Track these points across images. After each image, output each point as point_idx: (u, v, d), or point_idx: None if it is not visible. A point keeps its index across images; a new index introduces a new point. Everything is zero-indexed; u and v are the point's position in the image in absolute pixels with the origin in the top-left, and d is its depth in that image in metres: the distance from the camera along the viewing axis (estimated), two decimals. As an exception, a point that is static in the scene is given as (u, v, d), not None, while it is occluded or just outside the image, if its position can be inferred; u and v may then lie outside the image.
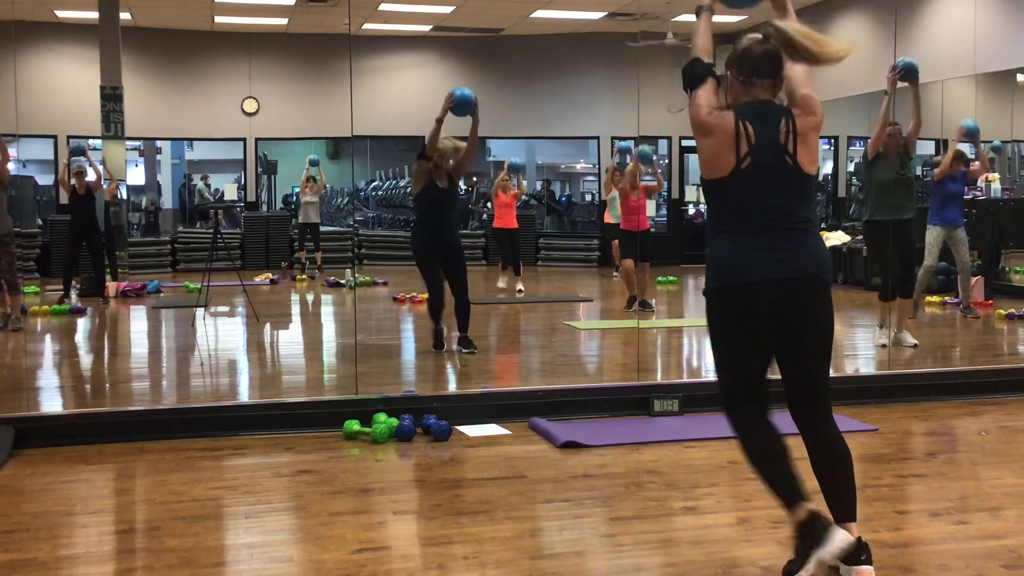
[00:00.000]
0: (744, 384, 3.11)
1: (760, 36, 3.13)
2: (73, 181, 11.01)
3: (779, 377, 3.15)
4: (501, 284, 12.30)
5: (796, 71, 3.15)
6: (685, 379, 6.65)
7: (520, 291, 11.76)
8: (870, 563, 2.96)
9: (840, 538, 2.89)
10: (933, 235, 8.97)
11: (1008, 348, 8.21)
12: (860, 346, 7.92)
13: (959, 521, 3.68)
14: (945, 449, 4.88)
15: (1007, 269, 11.69)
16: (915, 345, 7.38)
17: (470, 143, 7.26)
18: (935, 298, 10.45)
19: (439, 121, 6.91)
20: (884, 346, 7.35)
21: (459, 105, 6.86)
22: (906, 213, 7.33)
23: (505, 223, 12.24)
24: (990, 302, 10.11)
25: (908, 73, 7.15)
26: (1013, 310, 9.32)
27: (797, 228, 3.05)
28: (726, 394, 3.15)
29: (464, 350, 7.19)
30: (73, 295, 11.04)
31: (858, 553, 2.94)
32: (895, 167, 7.30)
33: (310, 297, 12.70)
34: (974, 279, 10.26)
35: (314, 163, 15.28)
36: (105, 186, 12.16)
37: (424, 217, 7.28)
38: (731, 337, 3.09)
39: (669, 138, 18.16)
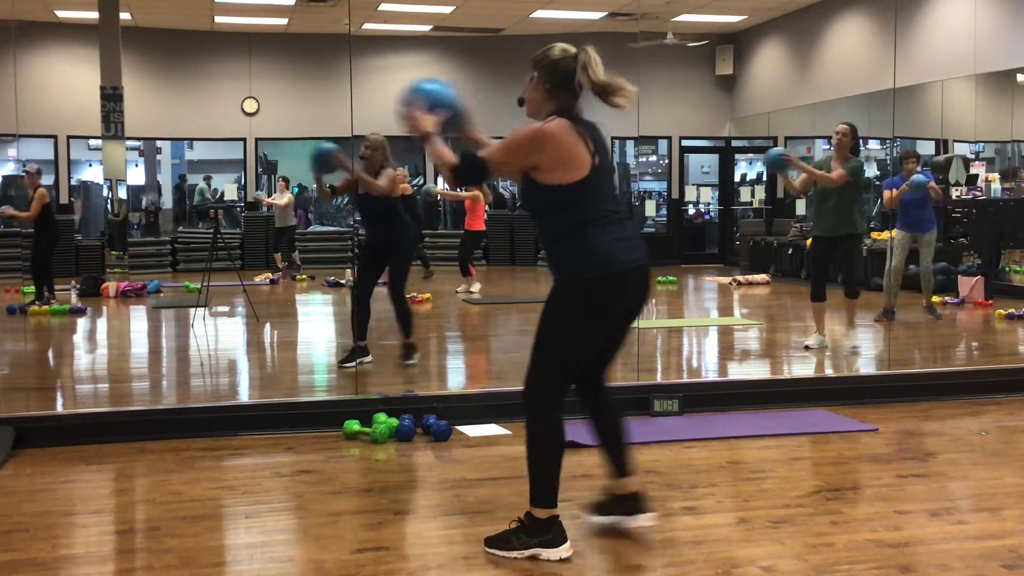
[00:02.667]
0: (569, 384, 3.40)
1: (573, 50, 3.41)
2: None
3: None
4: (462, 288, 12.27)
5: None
6: (685, 379, 6.65)
7: (465, 291, 11.80)
8: (648, 510, 3.52)
9: (643, 519, 3.49)
10: (896, 238, 9.24)
11: (1008, 348, 8.20)
12: (861, 347, 7.91)
13: (959, 521, 3.68)
14: (945, 449, 4.88)
15: (1007, 269, 11.69)
16: (854, 348, 7.39)
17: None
18: (935, 298, 10.44)
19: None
20: (808, 348, 7.45)
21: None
22: (839, 230, 7.30)
23: (474, 225, 12.32)
24: (990, 302, 10.11)
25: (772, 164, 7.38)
26: (1013, 310, 9.32)
27: (627, 219, 3.51)
28: (554, 394, 3.34)
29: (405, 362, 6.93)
30: (73, 295, 11.03)
31: (640, 502, 3.51)
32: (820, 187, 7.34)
33: (310, 297, 12.69)
34: (974, 279, 10.28)
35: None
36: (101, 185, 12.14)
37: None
38: (596, 326, 3.32)
39: (669, 138, 18.17)
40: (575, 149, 3.28)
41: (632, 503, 3.51)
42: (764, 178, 18.47)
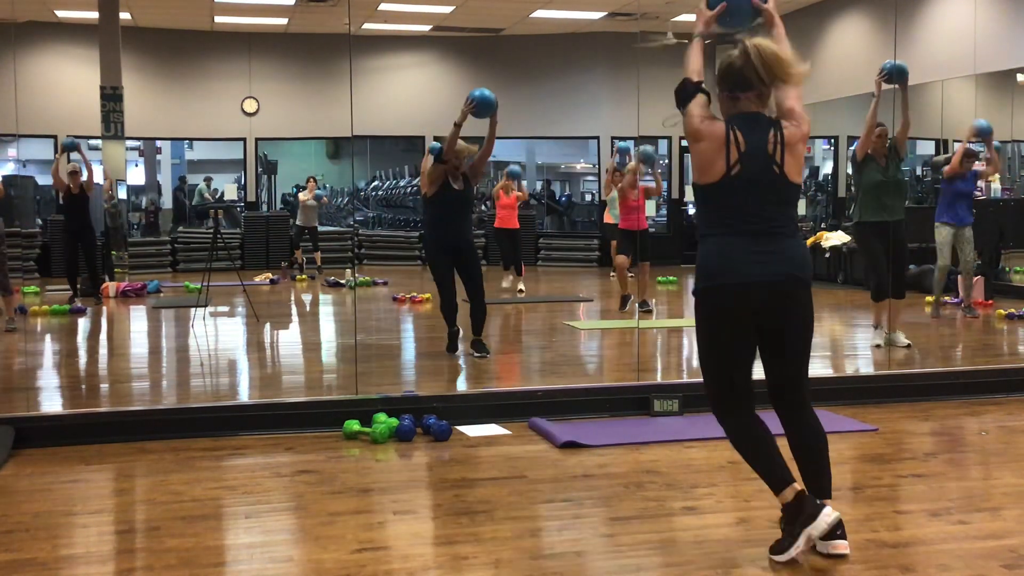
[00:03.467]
0: (731, 389, 3.35)
1: (738, 51, 3.29)
2: (68, 181, 11.01)
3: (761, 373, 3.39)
4: (505, 284, 12.31)
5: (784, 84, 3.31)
6: (685, 379, 6.64)
7: (521, 291, 11.76)
8: (844, 538, 3.23)
9: (826, 514, 3.17)
10: (943, 234, 9.01)
11: (1008, 348, 8.20)
12: (860, 346, 7.92)
13: (959, 521, 3.68)
14: (945, 449, 4.88)
15: (1007, 269, 11.69)
16: (908, 345, 7.37)
17: (487, 145, 7.18)
18: (933, 298, 10.44)
19: (458, 125, 6.73)
20: (879, 346, 7.36)
21: (481, 107, 6.67)
22: (895, 214, 7.29)
23: (506, 223, 12.26)
24: (990, 302, 10.10)
25: (896, 75, 7.14)
26: (1013, 310, 9.32)
27: (780, 232, 3.27)
28: (716, 402, 3.41)
29: (476, 354, 7.09)
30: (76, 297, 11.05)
31: (835, 529, 3.21)
32: (883, 169, 7.30)
33: (310, 297, 12.70)
34: (975, 279, 10.26)
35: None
36: (101, 185, 12.15)
37: (437, 218, 7.10)
38: (719, 336, 3.33)
39: (669, 138, 18.17)
40: (714, 153, 3.22)
41: (829, 530, 3.21)
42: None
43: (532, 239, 17.17)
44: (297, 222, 15.35)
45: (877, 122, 7.29)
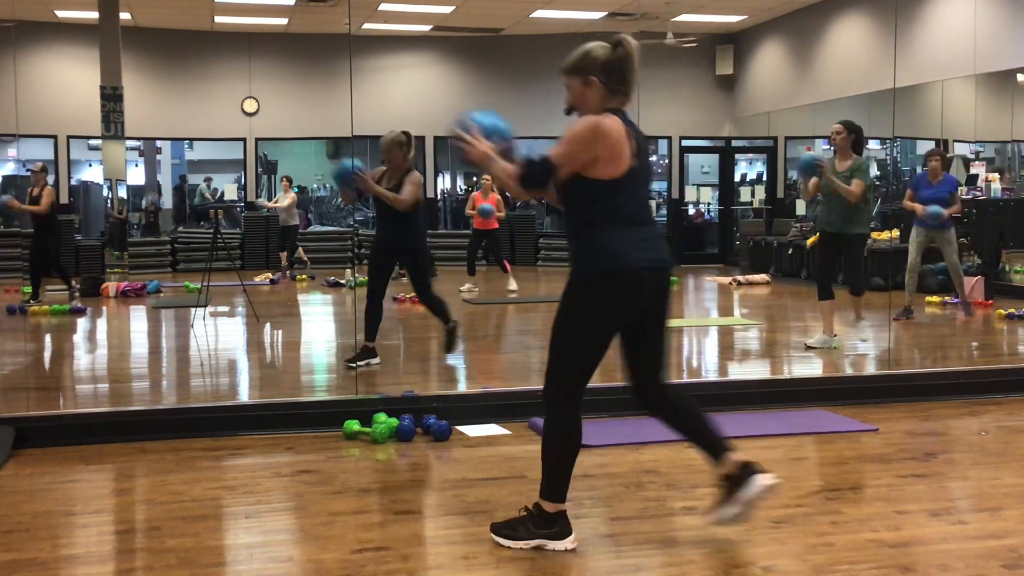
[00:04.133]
0: (586, 380, 3.43)
1: (623, 47, 3.38)
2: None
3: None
4: (464, 287, 12.23)
5: None
6: (685, 379, 6.65)
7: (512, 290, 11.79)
8: (763, 470, 3.41)
9: (761, 480, 3.35)
10: (912, 235, 9.18)
11: (1008, 348, 8.21)
12: (860, 346, 7.91)
13: (959, 521, 3.68)
14: (945, 449, 4.88)
15: (1007, 269, 11.69)
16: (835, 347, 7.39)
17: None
18: (935, 298, 10.45)
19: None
20: (808, 347, 7.47)
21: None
22: (846, 228, 7.29)
23: (485, 224, 12.23)
24: (990, 302, 10.10)
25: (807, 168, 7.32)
26: (1013, 310, 9.32)
27: (653, 222, 3.48)
28: (567, 390, 3.42)
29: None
30: (75, 295, 11.04)
31: (752, 467, 3.39)
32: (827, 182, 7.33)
33: (310, 297, 12.69)
34: (974, 279, 10.26)
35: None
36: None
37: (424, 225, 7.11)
38: (607, 322, 3.34)
39: (669, 138, 18.17)
40: (622, 147, 3.29)
41: (745, 472, 3.37)
42: (764, 178, 18.49)
43: (532, 239, 17.17)
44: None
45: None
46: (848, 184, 7.15)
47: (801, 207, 16.44)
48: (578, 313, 3.33)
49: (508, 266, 12.25)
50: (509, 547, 3.37)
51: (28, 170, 11.16)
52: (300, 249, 15.26)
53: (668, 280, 3.43)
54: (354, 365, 6.56)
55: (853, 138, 7.36)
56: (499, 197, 12.31)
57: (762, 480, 3.35)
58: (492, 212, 11.89)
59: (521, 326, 9.50)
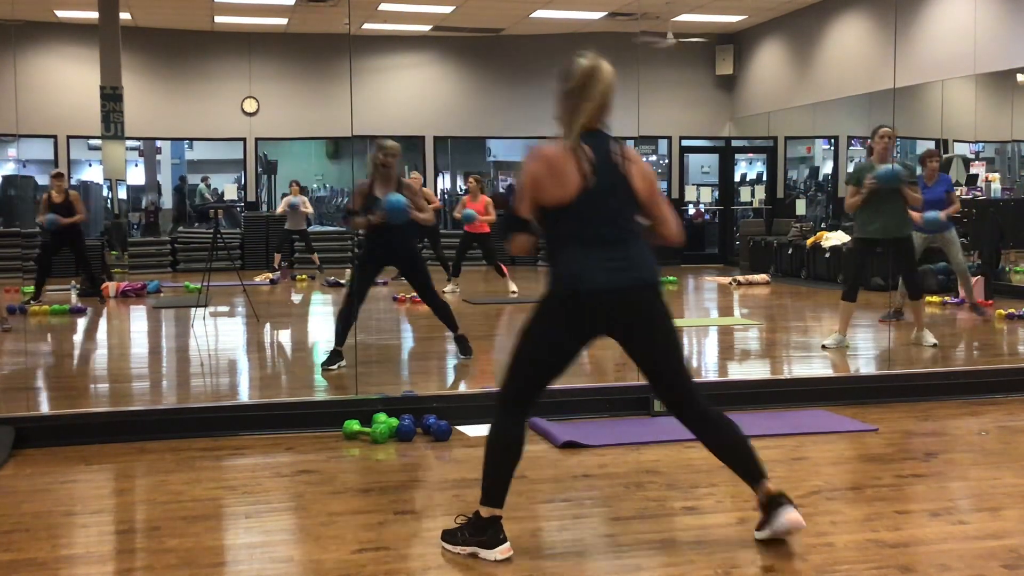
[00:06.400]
0: (537, 389, 3.40)
1: (589, 64, 3.34)
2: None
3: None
4: (448, 288, 12.15)
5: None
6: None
7: (514, 292, 11.79)
8: (790, 503, 3.36)
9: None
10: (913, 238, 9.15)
11: (1008, 348, 8.20)
12: (860, 346, 7.91)
13: (959, 521, 3.68)
14: (945, 449, 4.88)
15: (1007, 269, 11.69)
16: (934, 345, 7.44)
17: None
18: (935, 298, 10.45)
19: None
20: (825, 347, 7.48)
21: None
22: (903, 230, 7.34)
23: (474, 227, 12.16)
24: (990, 302, 10.10)
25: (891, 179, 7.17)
26: (1013, 310, 9.32)
27: (629, 239, 3.35)
28: (516, 394, 3.40)
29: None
30: (73, 295, 11.04)
31: (779, 500, 3.35)
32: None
33: (310, 297, 12.70)
34: (974, 279, 10.26)
35: None
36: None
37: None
38: (549, 343, 3.33)
39: (669, 138, 18.17)
40: (562, 172, 3.26)
41: (773, 504, 3.36)
42: (764, 178, 18.50)
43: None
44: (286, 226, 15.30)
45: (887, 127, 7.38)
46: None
47: (801, 207, 16.45)
48: (534, 327, 3.37)
49: (505, 270, 12.21)
50: (449, 552, 3.36)
51: (52, 175, 11.24)
52: (277, 256, 15.23)
53: (643, 298, 3.34)
54: (332, 367, 6.59)
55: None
56: (489, 200, 12.23)
57: (790, 515, 3.33)
58: (474, 217, 11.80)
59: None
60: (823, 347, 7.48)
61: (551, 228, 3.36)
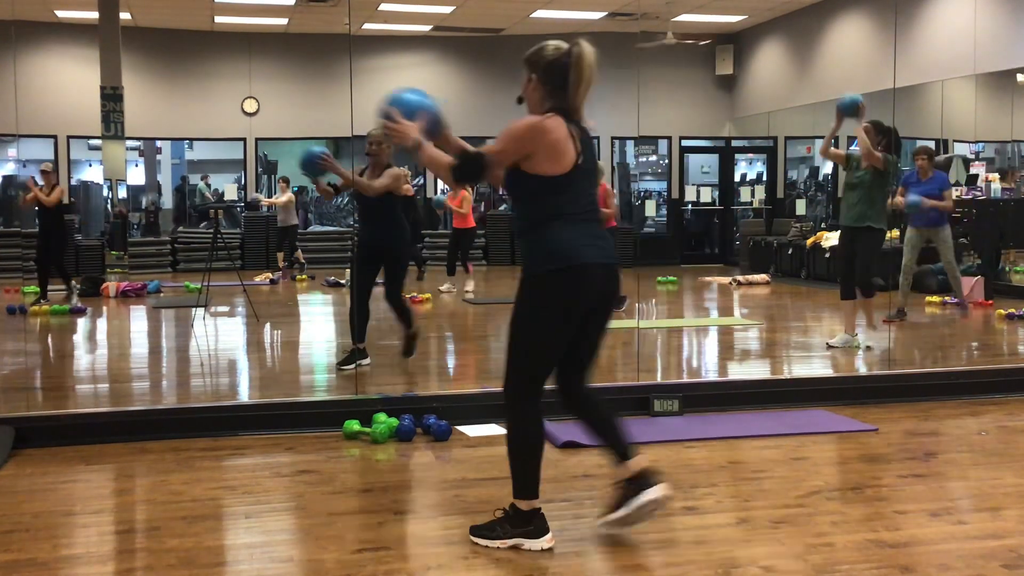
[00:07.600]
0: (547, 374, 3.42)
1: (571, 50, 3.37)
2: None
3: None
4: (445, 287, 12.13)
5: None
6: (685, 379, 6.65)
7: (448, 290, 11.83)
8: (661, 481, 3.47)
9: (657, 490, 3.40)
10: (907, 236, 9.20)
11: (1008, 348, 8.21)
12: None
13: (959, 521, 3.68)
14: (945, 449, 4.88)
15: (1007, 269, 11.69)
16: (867, 347, 7.37)
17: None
18: (935, 298, 10.45)
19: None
20: (830, 346, 7.44)
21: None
22: (858, 220, 7.31)
23: (463, 223, 12.11)
24: (990, 302, 10.10)
25: (846, 109, 7.31)
26: (1013, 310, 9.32)
27: (599, 220, 3.52)
28: (527, 384, 3.39)
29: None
30: (73, 295, 11.05)
31: (651, 476, 3.45)
32: (847, 172, 7.45)
33: (310, 297, 12.69)
34: (974, 279, 10.26)
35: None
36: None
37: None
38: (566, 317, 3.33)
39: (669, 138, 18.17)
40: (566, 144, 3.33)
41: (643, 479, 3.44)
42: (764, 178, 18.49)
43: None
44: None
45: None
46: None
47: (801, 207, 16.45)
48: (534, 312, 3.35)
49: (471, 268, 12.18)
50: (487, 547, 3.38)
51: (42, 170, 11.18)
52: (299, 251, 15.24)
53: (617, 276, 3.46)
54: (344, 368, 6.55)
55: (882, 140, 7.42)
56: (468, 195, 12.18)
57: (659, 490, 3.41)
58: (442, 203, 12.18)
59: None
60: (828, 346, 7.46)
61: (533, 200, 3.37)
